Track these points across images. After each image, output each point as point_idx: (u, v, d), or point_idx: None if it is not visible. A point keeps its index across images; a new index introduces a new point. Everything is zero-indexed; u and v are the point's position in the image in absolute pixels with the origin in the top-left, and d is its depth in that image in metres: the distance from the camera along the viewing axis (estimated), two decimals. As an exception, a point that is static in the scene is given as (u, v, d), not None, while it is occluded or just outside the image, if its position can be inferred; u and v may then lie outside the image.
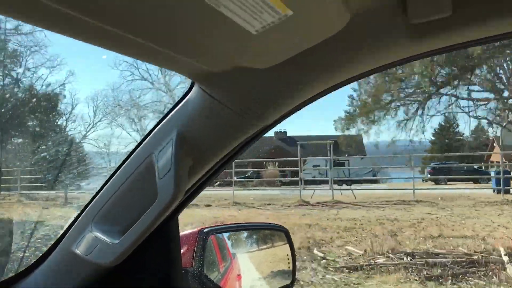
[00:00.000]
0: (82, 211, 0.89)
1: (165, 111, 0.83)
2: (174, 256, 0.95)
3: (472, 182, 19.30)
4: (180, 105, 0.79)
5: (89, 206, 0.88)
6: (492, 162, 29.31)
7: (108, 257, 0.79)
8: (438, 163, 25.68)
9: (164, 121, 0.80)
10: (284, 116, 0.82)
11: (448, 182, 20.78)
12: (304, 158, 25.94)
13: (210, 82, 0.70)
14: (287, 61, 0.66)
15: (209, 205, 12.55)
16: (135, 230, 0.77)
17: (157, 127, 0.81)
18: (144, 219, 0.75)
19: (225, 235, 1.16)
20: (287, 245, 1.20)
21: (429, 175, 22.94)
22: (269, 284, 1.19)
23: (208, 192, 15.72)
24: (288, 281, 1.18)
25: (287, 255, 1.20)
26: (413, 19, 0.57)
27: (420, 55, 0.69)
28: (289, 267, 1.20)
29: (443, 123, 42.37)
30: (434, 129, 42.70)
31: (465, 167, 22.63)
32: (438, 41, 0.64)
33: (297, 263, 1.24)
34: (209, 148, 0.81)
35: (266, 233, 1.30)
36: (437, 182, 22.03)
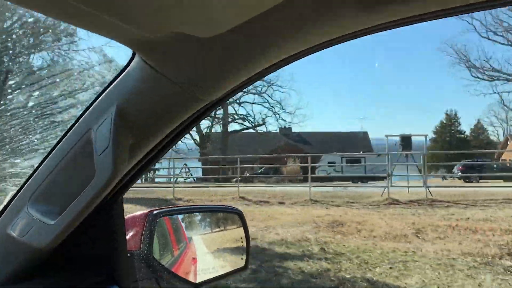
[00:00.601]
0: (18, 191, 0.85)
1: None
2: (118, 238, 0.90)
3: (502, 180, 18.99)
4: (120, 77, 0.75)
5: (25, 185, 0.84)
6: (504, 160, 29.76)
7: (44, 239, 0.76)
8: (469, 160, 25.19)
9: (103, 94, 0.76)
10: (233, 91, 0.78)
11: (480, 180, 20.30)
12: (319, 154, 25.59)
13: (152, 51, 0.66)
14: (232, 31, 0.62)
15: (282, 203, 11.84)
16: (72, 210, 0.74)
17: (96, 101, 0.77)
18: (81, 198, 0.73)
19: (180, 217, 1.13)
20: (241, 228, 1.18)
21: (460, 173, 22.60)
22: (223, 268, 1.15)
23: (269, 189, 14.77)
24: (242, 264, 1.16)
25: (241, 237, 1.18)
26: None
27: (368, 29, 0.66)
28: (242, 251, 1.18)
29: (444, 121, 42.74)
30: (435, 127, 42.97)
31: (495, 165, 22.57)
32: (386, 14, 0.62)
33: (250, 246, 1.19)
34: (151, 125, 0.77)
35: (221, 215, 1.28)
36: (468, 180, 21.68)
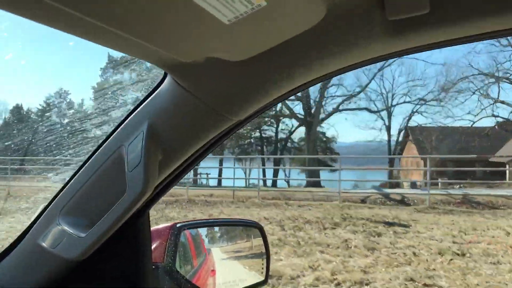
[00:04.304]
0: (49, 203, 0.87)
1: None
2: (144, 251, 0.93)
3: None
4: (152, 96, 0.77)
5: (57, 198, 0.86)
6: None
7: (74, 251, 0.78)
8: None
9: (135, 112, 0.79)
10: (258, 111, 0.81)
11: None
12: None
13: (183, 73, 0.69)
14: (261, 55, 0.65)
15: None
16: (103, 224, 0.75)
17: (128, 118, 0.80)
18: (112, 212, 0.75)
19: (201, 230, 1.15)
20: (262, 242, 1.19)
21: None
22: (243, 281, 1.15)
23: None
24: (262, 278, 1.17)
25: (261, 252, 1.19)
26: (391, 15, 0.57)
27: (397, 52, 0.68)
28: (263, 265, 1.18)
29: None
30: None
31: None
32: (415, 39, 0.64)
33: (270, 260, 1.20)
34: (180, 142, 0.79)
35: (241, 229, 1.29)
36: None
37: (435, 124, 28.70)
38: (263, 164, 29.81)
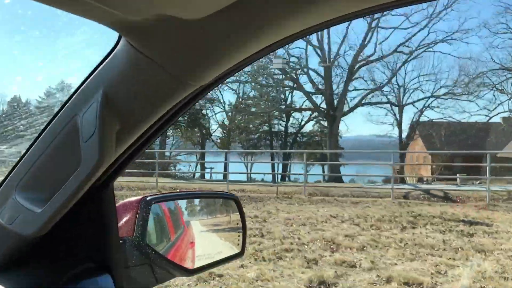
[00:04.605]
0: (5, 178, 0.85)
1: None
2: (109, 225, 0.90)
3: None
4: (106, 61, 0.73)
5: (12, 172, 0.84)
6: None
7: (31, 227, 0.76)
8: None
9: (89, 79, 0.75)
10: (223, 76, 0.76)
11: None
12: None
13: (138, 34, 0.64)
14: (221, 12, 0.59)
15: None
16: (59, 198, 0.74)
17: (82, 86, 0.76)
18: (67, 186, 0.73)
19: (180, 204, 1.14)
20: (238, 213, 1.17)
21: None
22: (219, 254, 1.13)
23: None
24: (238, 250, 1.15)
25: (237, 224, 1.17)
26: None
27: (369, 8, 0.63)
28: (239, 237, 1.16)
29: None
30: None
31: None
32: None
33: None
34: (139, 111, 0.75)
35: (220, 202, 1.26)
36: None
37: (448, 119, 28.25)
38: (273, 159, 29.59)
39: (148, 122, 0.77)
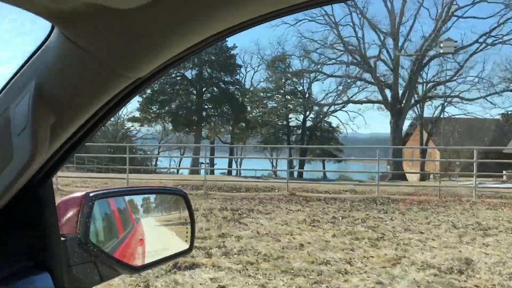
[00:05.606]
0: None
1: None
2: (48, 222, 0.88)
3: None
4: (39, 52, 0.71)
5: None
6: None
7: None
8: None
9: (21, 70, 0.73)
10: (163, 69, 0.73)
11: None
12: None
13: (70, 24, 0.61)
14: (158, 1, 0.57)
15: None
16: None
17: (15, 77, 0.74)
18: (0, 182, 0.70)
19: (127, 199, 1.12)
20: (186, 210, 1.16)
21: None
22: (166, 250, 1.12)
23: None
24: (186, 247, 1.14)
25: (185, 220, 1.16)
26: None
27: None
28: (187, 233, 1.15)
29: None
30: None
31: None
32: None
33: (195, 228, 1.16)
34: (75, 103, 0.73)
35: (169, 198, 1.24)
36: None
37: (470, 116, 27.98)
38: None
39: (85, 115, 0.75)
